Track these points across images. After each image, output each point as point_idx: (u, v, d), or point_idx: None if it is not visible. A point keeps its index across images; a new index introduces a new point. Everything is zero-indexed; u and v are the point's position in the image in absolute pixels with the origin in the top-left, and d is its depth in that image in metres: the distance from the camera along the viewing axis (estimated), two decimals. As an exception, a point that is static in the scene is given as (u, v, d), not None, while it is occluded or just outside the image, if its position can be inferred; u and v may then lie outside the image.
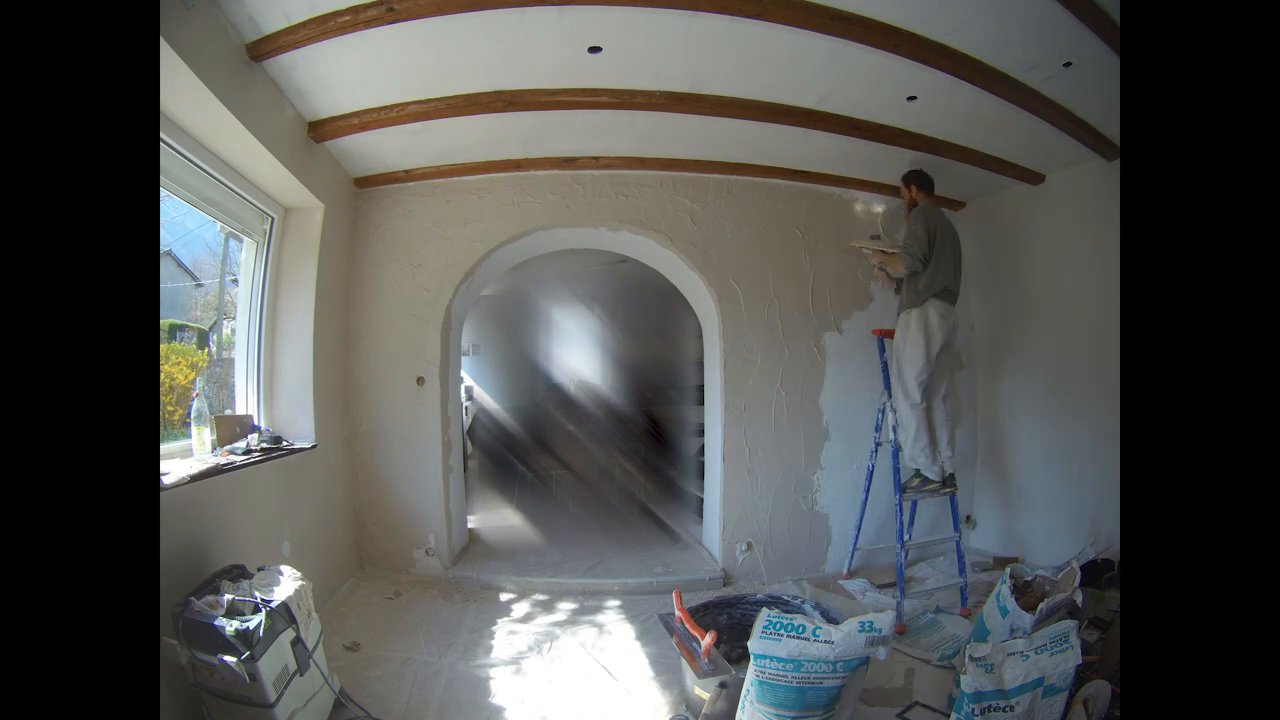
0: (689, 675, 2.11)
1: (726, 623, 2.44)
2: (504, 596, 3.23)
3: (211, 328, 3.33)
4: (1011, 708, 1.74)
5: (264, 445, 2.55)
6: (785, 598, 2.53)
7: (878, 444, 3.40)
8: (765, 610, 1.83)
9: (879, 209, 3.85)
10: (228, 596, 1.84)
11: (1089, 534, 3.25)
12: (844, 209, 3.78)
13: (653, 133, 3.02)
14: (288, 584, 1.94)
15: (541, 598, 3.21)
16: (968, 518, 4.00)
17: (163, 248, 2.88)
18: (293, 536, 2.65)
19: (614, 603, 3.16)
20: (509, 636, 2.78)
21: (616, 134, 3.04)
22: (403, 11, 1.97)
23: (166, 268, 3.62)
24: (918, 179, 3.20)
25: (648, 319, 5.72)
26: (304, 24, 2.04)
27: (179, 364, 2.71)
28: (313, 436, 2.94)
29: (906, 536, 3.18)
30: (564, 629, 2.86)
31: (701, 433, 4.01)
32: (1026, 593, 2.29)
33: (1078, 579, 2.23)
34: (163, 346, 2.70)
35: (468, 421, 5.94)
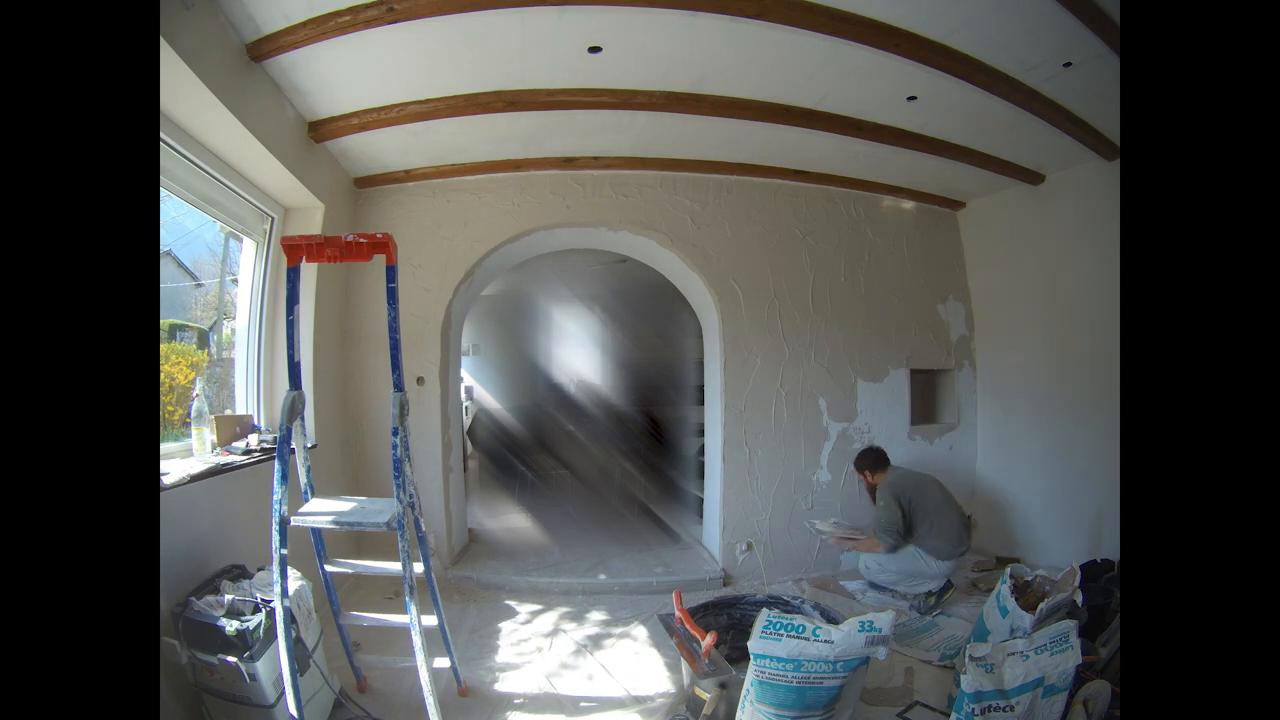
0: (689, 675, 2.11)
1: (726, 623, 2.45)
2: (504, 596, 3.23)
3: (211, 328, 3.33)
4: (1011, 707, 1.74)
5: (264, 445, 2.55)
6: (785, 598, 2.53)
7: None
8: (765, 610, 1.83)
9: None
10: (228, 596, 1.84)
11: (1089, 534, 3.25)
12: (844, 209, 3.78)
13: (653, 133, 3.02)
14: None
15: (541, 597, 3.21)
16: (969, 517, 4.00)
17: (163, 248, 2.88)
18: (293, 536, 2.64)
19: (614, 602, 3.16)
20: (509, 636, 2.78)
21: (616, 134, 3.04)
22: (403, 11, 1.97)
23: (166, 268, 3.62)
24: (869, 461, 3.29)
25: (648, 319, 5.71)
26: (304, 24, 2.04)
27: (179, 364, 2.70)
28: (313, 436, 2.94)
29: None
30: (564, 629, 2.86)
31: (701, 433, 4.01)
32: (1026, 593, 2.29)
33: (1078, 579, 2.23)
34: (163, 346, 2.69)
35: (468, 421, 5.93)
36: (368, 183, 3.42)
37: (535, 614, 3.03)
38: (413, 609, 1.87)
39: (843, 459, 3.72)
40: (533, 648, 2.67)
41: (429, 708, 1.91)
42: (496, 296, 5.83)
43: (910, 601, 3.13)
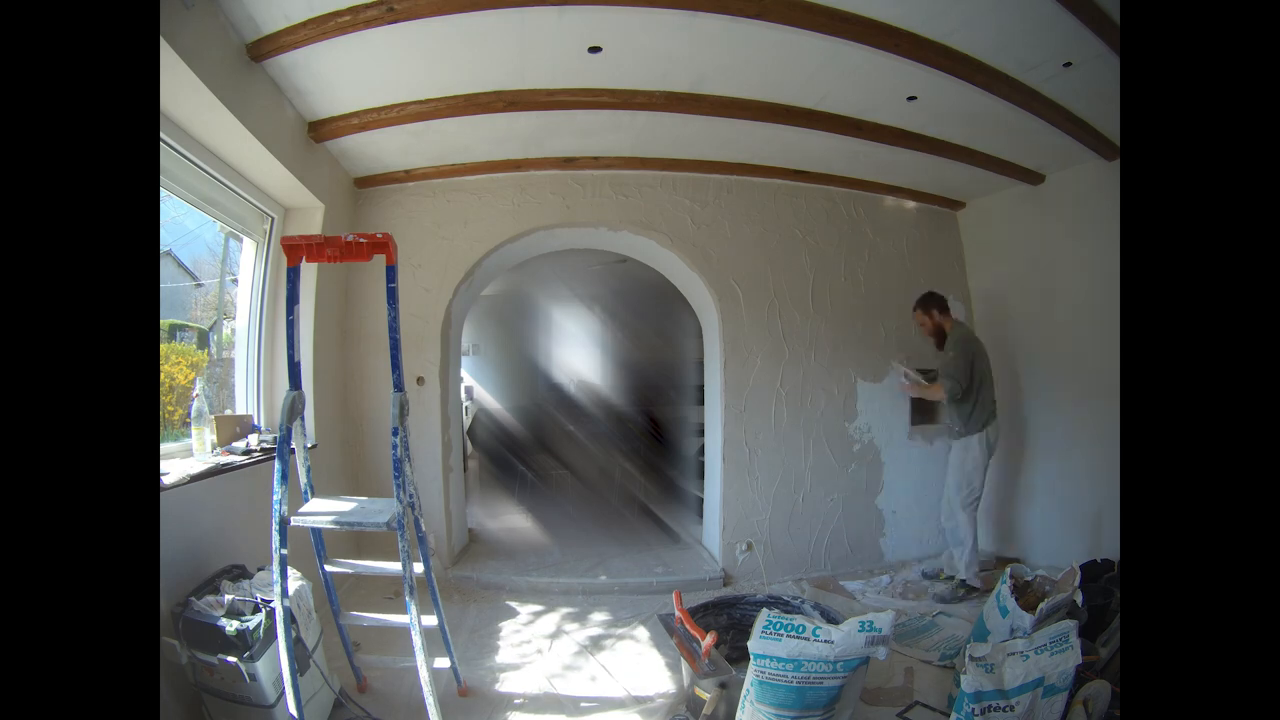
0: (689, 675, 2.11)
1: (726, 623, 2.45)
2: (504, 596, 3.23)
3: (211, 328, 3.33)
4: (1011, 707, 1.74)
5: (264, 445, 2.55)
6: (785, 598, 2.53)
7: None
8: (765, 610, 1.83)
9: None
10: (228, 596, 1.84)
11: (1089, 533, 3.26)
12: (844, 209, 3.78)
13: (653, 133, 3.02)
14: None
15: (541, 597, 3.21)
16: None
17: (163, 248, 2.88)
18: (292, 536, 2.64)
19: (614, 603, 3.16)
20: (509, 637, 2.78)
21: (616, 134, 3.04)
22: (403, 11, 1.97)
23: (166, 268, 3.62)
24: (937, 303, 3.37)
25: (648, 319, 5.71)
26: (304, 24, 2.04)
27: (179, 364, 2.71)
28: (313, 436, 2.94)
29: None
30: (564, 629, 2.86)
31: (701, 433, 4.01)
32: (1026, 593, 2.29)
33: (1078, 579, 2.23)
34: (163, 346, 2.69)
35: (468, 421, 5.93)
36: (368, 183, 3.42)
37: (535, 614, 3.03)
38: (413, 609, 1.87)
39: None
40: (533, 648, 2.67)
41: (429, 708, 1.91)
42: (496, 296, 5.83)
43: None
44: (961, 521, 3.27)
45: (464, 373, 4.96)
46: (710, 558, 3.66)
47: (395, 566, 1.91)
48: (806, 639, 1.75)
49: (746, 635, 1.81)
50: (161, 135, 2.04)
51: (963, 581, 3.24)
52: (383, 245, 1.86)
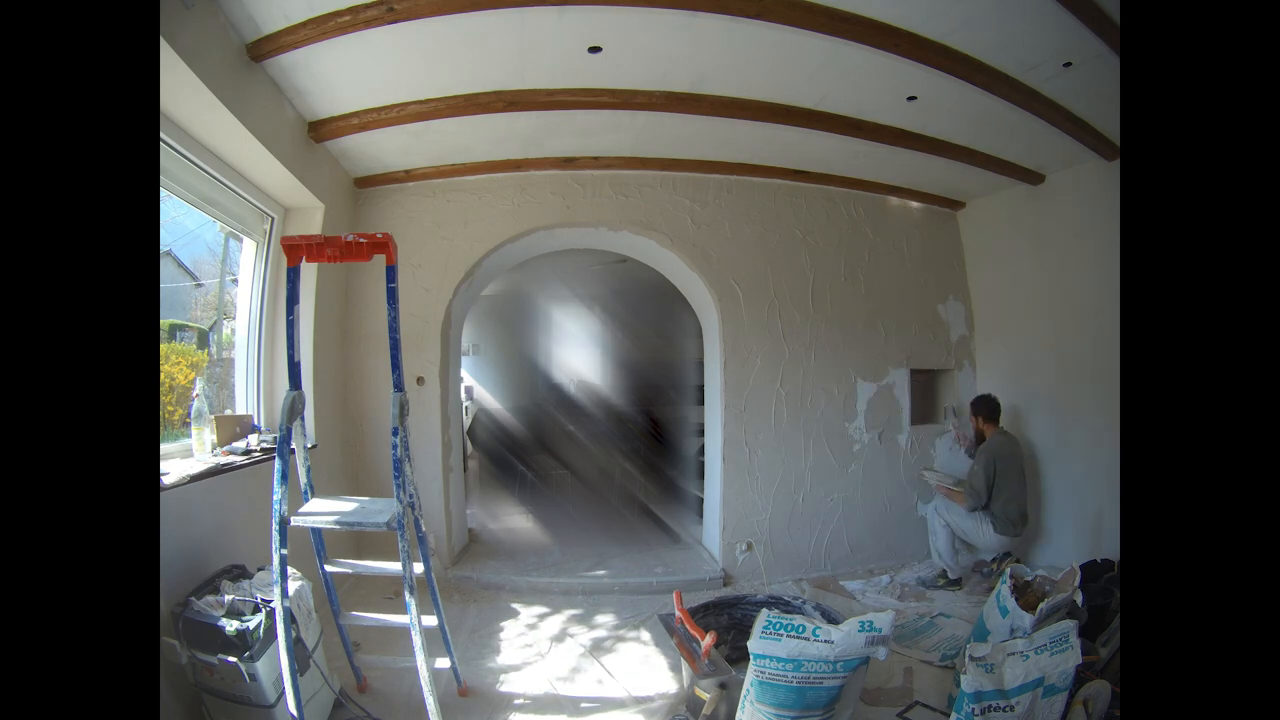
0: (689, 675, 2.11)
1: (727, 623, 2.45)
2: (504, 597, 3.23)
3: (211, 328, 3.33)
4: (1011, 707, 1.74)
5: (264, 445, 2.55)
6: (785, 598, 2.53)
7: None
8: (765, 610, 1.83)
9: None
10: (228, 596, 1.84)
11: (1089, 534, 3.26)
12: (844, 209, 3.79)
13: (653, 133, 3.02)
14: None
15: (542, 598, 3.21)
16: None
17: (163, 248, 2.88)
18: (293, 536, 2.64)
19: (614, 603, 3.16)
20: (509, 636, 2.78)
21: (616, 134, 3.04)
22: (403, 11, 1.97)
23: (166, 268, 3.62)
24: (986, 410, 3.43)
25: (648, 319, 5.71)
26: (304, 24, 2.04)
27: (179, 364, 2.70)
28: (313, 436, 2.94)
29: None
30: (564, 629, 2.86)
31: (701, 433, 4.01)
32: (1026, 593, 2.29)
33: (1077, 579, 2.23)
34: (163, 346, 2.69)
35: (468, 421, 5.92)
36: (368, 183, 3.42)
37: (535, 614, 3.03)
38: (413, 609, 1.87)
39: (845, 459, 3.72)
40: (533, 648, 2.67)
41: (429, 708, 1.91)
42: (496, 296, 5.82)
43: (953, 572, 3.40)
44: (931, 514, 3.47)
45: (464, 373, 4.95)
46: (710, 558, 3.66)
47: (395, 566, 1.91)
48: (806, 639, 1.75)
49: (746, 635, 1.81)
50: (161, 135, 2.04)
51: (943, 572, 3.42)
52: (383, 245, 1.86)
